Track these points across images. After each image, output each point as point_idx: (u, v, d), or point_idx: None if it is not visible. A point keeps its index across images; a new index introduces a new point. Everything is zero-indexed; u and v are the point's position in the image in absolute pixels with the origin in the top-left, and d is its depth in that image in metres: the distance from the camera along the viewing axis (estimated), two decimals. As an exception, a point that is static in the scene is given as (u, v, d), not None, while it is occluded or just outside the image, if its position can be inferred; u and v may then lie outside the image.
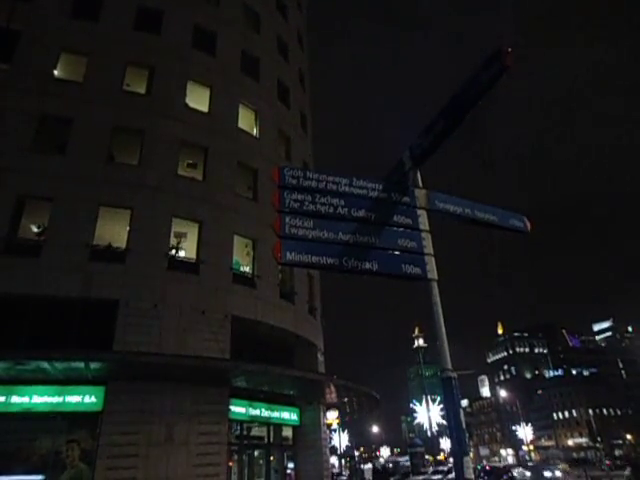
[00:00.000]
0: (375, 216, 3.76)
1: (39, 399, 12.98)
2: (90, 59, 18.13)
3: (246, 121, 21.32)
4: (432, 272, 3.70)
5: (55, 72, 17.95)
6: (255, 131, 21.62)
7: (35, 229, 15.80)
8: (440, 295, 3.64)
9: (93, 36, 18.55)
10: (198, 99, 19.72)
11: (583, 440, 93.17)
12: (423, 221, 3.89)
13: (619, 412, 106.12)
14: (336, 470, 48.42)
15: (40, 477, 12.29)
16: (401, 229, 3.83)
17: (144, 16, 19.73)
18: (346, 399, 20.59)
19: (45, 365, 12.07)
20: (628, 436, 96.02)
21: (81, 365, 12.42)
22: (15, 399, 12.82)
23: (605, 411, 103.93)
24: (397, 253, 3.72)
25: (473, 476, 3.28)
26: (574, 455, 77.01)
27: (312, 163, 26.96)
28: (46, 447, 12.79)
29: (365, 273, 3.53)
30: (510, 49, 2.87)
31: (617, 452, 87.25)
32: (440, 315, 3.54)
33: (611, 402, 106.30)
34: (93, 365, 12.56)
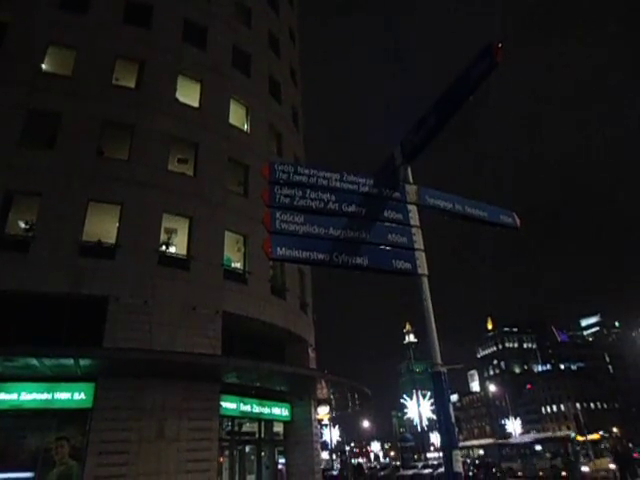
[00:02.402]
0: (366, 211, 3.77)
1: (28, 396, 12.88)
2: (79, 52, 17.90)
3: (237, 116, 21.22)
4: (422, 267, 3.71)
5: (43, 65, 17.71)
6: (246, 127, 21.52)
7: (23, 225, 15.61)
8: (430, 290, 3.66)
9: (82, 29, 18.31)
10: (189, 94, 19.59)
11: (571, 434, 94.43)
12: (413, 217, 3.91)
13: (606, 406, 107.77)
14: (327, 464, 48.67)
15: (29, 474, 12.21)
16: (392, 224, 3.84)
17: (134, 9, 19.49)
18: (337, 395, 20.67)
19: (34, 362, 11.96)
20: (614, 429, 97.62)
21: (70, 362, 12.34)
22: (3, 396, 12.71)
23: (592, 405, 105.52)
24: (388, 248, 3.73)
25: (462, 469, 3.31)
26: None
27: (304, 159, 26.92)
28: (35, 444, 12.70)
29: (356, 268, 3.54)
30: (500, 44, 2.88)
31: (603, 445, 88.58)
32: (430, 310, 3.56)
33: (598, 396, 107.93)
34: (82, 362, 12.48)
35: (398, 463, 55.28)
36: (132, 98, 18.10)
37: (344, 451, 46.06)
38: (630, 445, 69.36)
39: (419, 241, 3.83)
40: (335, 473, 43.36)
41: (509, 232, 4.40)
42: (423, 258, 3.76)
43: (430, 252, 3.82)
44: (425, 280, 3.67)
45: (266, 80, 23.65)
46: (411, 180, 4.04)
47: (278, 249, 3.33)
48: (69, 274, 14.30)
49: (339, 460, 40.44)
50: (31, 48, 17.39)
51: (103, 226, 16.03)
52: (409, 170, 4.05)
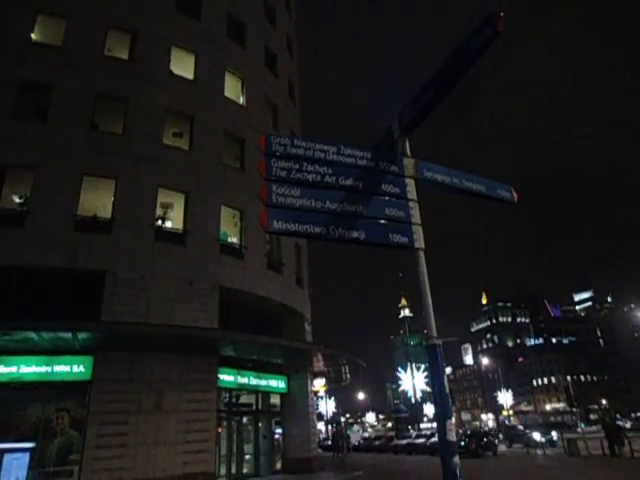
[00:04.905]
0: (363, 185, 3.73)
1: (27, 369, 13.04)
2: (69, 22, 17.41)
3: (232, 89, 20.85)
4: (419, 241, 3.71)
5: (32, 36, 17.24)
6: (242, 100, 21.17)
7: (17, 199, 15.48)
8: (426, 265, 3.66)
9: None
10: (183, 66, 19.17)
11: (560, 405, 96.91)
12: (411, 190, 3.88)
13: (595, 378, 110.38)
14: (323, 435, 49.88)
15: (31, 444, 12.46)
16: (389, 198, 3.81)
17: (125, -24, 18.85)
18: (333, 367, 21.01)
19: (32, 335, 12.05)
20: (603, 401, 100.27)
21: (68, 335, 12.44)
22: (3, 369, 12.85)
23: (582, 377, 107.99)
24: (385, 222, 3.71)
25: (455, 438, 3.39)
26: (551, 419, 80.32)
27: (300, 132, 26.61)
28: (36, 415, 12.95)
29: (352, 242, 3.53)
30: (502, 13, 2.81)
31: (592, 416, 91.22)
32: (426, 284, 3.58)
33: (588, 369, 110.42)
34: (81, 335, 12.59)
35: (390, 433, 56.55)
36: (125, 70, 17.70)
37: (339, 422, 47.15)
38: (617, 416, 71.30)
39: (416, 215, 3.81)
40: (330, 443, 44.37)
41: (506, 206, 4.39)
42: (420, 232, 3.75)
43: (427, 227, 3.82)
44: (422, 254, 3.67)
45: (262, 51, 23.15)
46: (409, 153, 3.99)
47: (274, 222, 3.31)
48: (65, 248, 14.28)
49: (334, 430, 41.52)
50: (19, 17, 16.90)
51: (99, 200, 15.92)
52: (407, 143, 4.00)
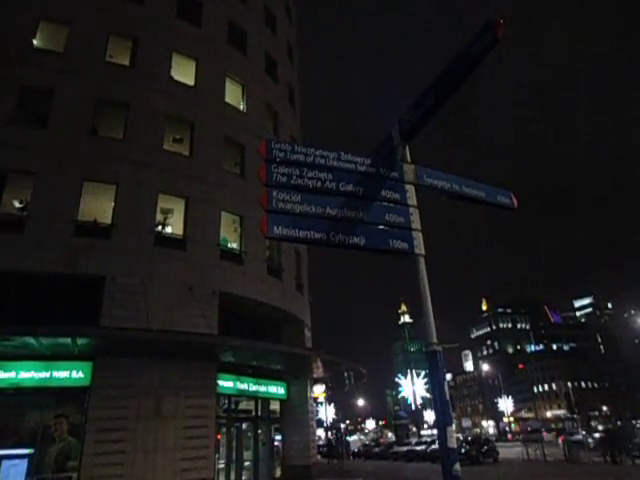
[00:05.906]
0: (363, 191, 3.73)
1: (26, 374, 12.97)
2: (71, 28, 17.50)
3: (233, 95, 20.92)
4: (419, 247, 3.70)
5: (34, 41, 17.32)
6: (242, 106, 21.24)
7: (17, 204, 15.48)
8: (427, 271, 3.65)
9: (74, 4, 17.86)
10: (184, 72, 19.25)
11: (561, 412, 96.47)
12: (411, 196, 3.87)
13: (596, 385, 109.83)
14: (322, 442, 49.63)
15: (29, 451, 12.38)
16: (389, 204, 3.81)
17: (126, -17, 18.98)
18: (333, 373, 20.91)
19: (31, 341, 11.99)
20: (604, 407, 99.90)
21: (68, 341, 12.39)
22: (1, 374, 12.78)
23: (583, 384, 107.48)
24: (385, 228, 3.71)
25: (456, 445, 3.37)
26: (552, 426, 79.92)
27: (300, 139, 26.68)
28: (35, 421, 12.86)
29: (352, 248, 3.53)
30: (502, 20, 2.82)
31: (593, 423, 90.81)
32: (427, 290, 3.57)
33: (589, 375, 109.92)
34: (80, 341, 12.53)
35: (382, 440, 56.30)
36: (126, 75, 17.77)
37: (339, 429, 46.99)
38: (618, 423, 70.90)
39: (416, 221, 3.80)
40: (327, 449, 44.10)
41: (506, 212, 4.40)
42: (420, 238, 3.74)
43: (427, 233, 3.81)
44: (422, 260, 3.66)
45: (262, 58, 23.26)
46: (409, 159, 4.00)
47: (275, 228, 3.31)
48: (65, 253, 14.27)
49: (334, 437, 41.36)
50: (22, 24, 16.98)
51: (99, 206, 15.93)
52: (407, 149, 4.00)
